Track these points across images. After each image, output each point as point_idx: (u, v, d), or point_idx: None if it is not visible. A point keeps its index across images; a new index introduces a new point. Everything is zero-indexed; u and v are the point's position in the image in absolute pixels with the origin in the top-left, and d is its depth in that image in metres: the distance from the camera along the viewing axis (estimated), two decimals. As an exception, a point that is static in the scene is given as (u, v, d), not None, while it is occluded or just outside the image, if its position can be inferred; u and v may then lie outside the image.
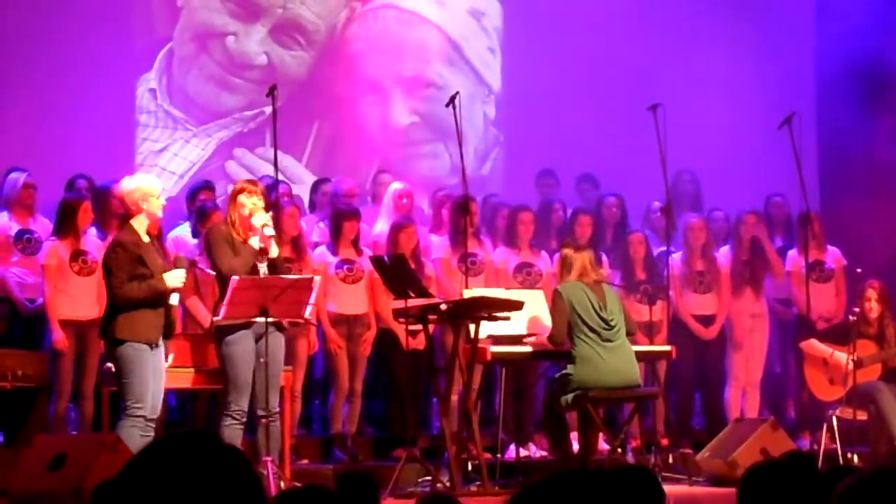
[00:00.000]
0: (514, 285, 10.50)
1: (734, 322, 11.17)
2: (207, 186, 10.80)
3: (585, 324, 9.05)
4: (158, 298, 7.97)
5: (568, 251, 9.39)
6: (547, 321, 9.34)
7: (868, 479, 2.72)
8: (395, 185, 11.22)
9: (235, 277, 8.11)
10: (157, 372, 8.09)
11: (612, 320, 9.12)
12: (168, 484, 2.23)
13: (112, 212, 9.94)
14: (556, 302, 9.19)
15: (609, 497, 2.66)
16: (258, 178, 9.83)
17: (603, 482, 2.66)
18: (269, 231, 8.32)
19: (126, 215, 8.19)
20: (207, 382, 8.83)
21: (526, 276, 10.81)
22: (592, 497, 2.63)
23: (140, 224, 8.07)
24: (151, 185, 8.18)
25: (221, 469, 2.28)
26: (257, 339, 8.36)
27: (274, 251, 8.42)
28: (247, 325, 8.30)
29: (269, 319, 8.23)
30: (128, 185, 8.19)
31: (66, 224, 9.66)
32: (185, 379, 8.82)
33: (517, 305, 9.01)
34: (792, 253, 11.30)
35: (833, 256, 11.39)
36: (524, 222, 10.87)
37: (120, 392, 8.07)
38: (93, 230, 10.03)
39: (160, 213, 8.15)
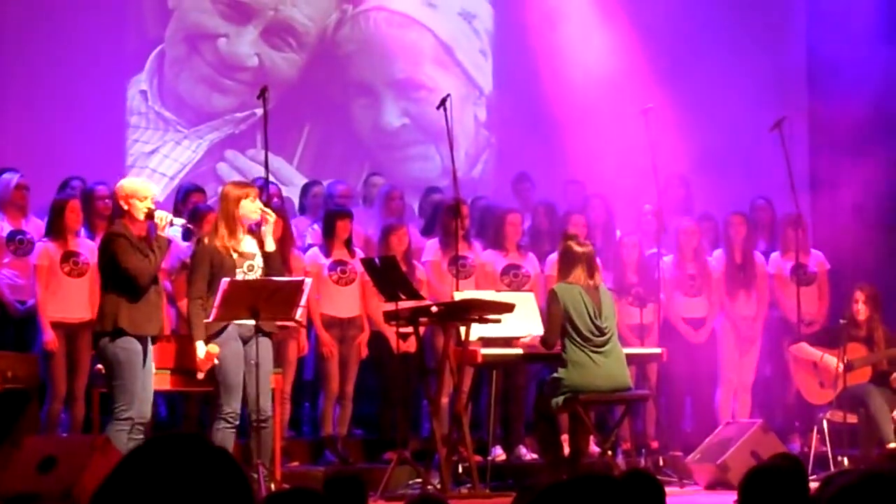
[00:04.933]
0: (502, 287, 10.45)
1: (725, 325, 11.17)
2: (198, 189, 10.73)
3: (578, 330, 8.98)
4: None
5: (571, 244, 9.17)
6: (537, 324, 9.31)
7: (858, 482, 2.72)
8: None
9: (226, 280, 8.11)
10: (147, 375, 8.09)
11: (605, 327, 9.05)
12: (156, 486, 2.23)
13: (99, 213, 9.97)
14: (552, 304, 9.08)
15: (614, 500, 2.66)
16: (251, 180, 9.81)
17: (611, 488, 2.66)
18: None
19: (114, 214, 8.33)
20: (198, 384, 8.78)
21: (513, 278, 10.76)
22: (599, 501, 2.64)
23: (129, 223, 8.10)
24: (137, 187, 8.18)
25: (210, 471, 2.27)
26: (245, 343, 8.34)
27: (270, 245, 8.41)
28: (228, 327, 8.28)
29: (259, 322, 8.23)
30: (119, 184, 8.30)
31: (55, 224, 9.65)
32: (176, 381, 8.77)
33: (508, 308, 8.97)
34: (774, 256, 11.29)
35: (817, 260, 11.37)
36: (512, 224, 10.83)
37: (110, 394, 8.05)
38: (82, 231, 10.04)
39: (140, 217, 8.10)
